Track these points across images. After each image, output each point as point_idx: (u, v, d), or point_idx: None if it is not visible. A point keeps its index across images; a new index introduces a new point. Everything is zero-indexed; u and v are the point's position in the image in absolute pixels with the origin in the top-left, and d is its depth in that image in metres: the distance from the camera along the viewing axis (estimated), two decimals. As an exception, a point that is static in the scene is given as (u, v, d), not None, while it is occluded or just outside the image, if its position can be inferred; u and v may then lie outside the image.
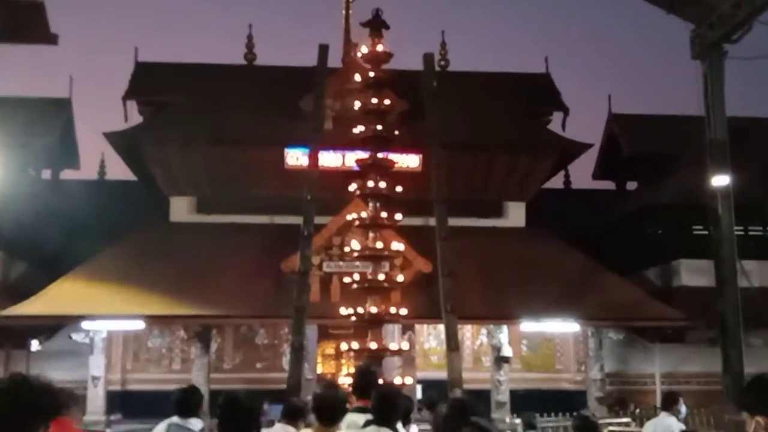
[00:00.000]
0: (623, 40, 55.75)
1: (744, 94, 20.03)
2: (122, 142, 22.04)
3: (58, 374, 20.17)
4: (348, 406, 5.62)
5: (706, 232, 17.93)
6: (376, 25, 16.99)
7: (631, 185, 26.97)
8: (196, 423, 6.29)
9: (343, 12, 23.48)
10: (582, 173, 28.26)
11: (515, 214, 22.94)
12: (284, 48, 29.82)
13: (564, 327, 19.80)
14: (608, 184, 27.52)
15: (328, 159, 20.58)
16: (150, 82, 24.00)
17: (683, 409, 8.72)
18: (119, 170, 25.34)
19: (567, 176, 28.08)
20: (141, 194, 23.58)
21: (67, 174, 26.04)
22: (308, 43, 22.09)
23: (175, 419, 6.29)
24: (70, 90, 24.21)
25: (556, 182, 27.01)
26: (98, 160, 27.37)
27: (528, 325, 19.62)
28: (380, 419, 5.20)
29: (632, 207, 23.91)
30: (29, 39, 15.25)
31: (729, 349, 14.97)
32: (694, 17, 15.93)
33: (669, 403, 8.74)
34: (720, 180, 15.35)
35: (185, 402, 6.34)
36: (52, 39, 15.18)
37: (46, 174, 25.39)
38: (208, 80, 23.70)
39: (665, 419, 8.63)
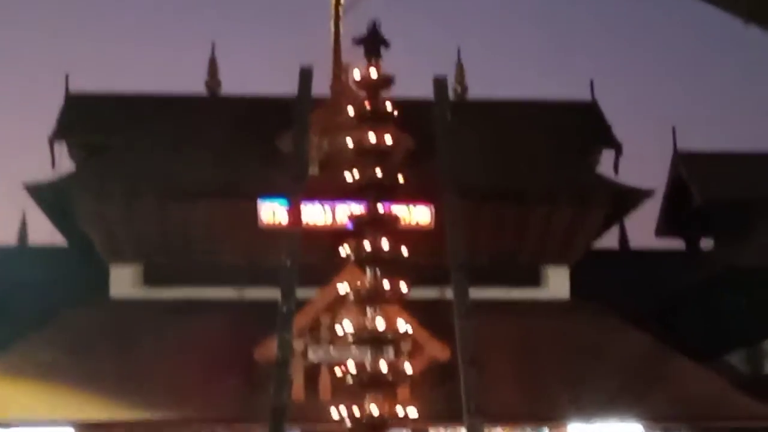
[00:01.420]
0: (688, 57, 56.07)
1: None
2: (48, 195, 22.04)
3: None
4: None
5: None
6: (374, 43, 17.07)
7: (706, 243, 26.92)
8: None
9: (332, 26, 23.69)
10: (642, 228, 28.08)
11: (557, 283, 22.83)
12: (256, 73, 30.03)
13: (624, 428, 19.57)
14: (676, 243, 27.47)
15: (314, 213, 20.57)
16: (84, 119, 24.15)
17: None
18: (44, 232, 25.33)
19: (623, 233, 28.04)
20: (72, 263, 23.51)
21: (-24, 238, 26.05)
22: (287, 65, 22.25)
23: None
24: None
25: (610, 241, 26.95)
26: (17, 220, 27.39)
27: (577, 427, 19.39)
28: None
29: (708, 272, 23.80)
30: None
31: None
32: (781, 28, 16.02)
33: None
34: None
35: None
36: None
37: (-50, 239, 25.43)
38: (159, 115, 23.85)
39: None
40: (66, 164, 23.85)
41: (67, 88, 24.86)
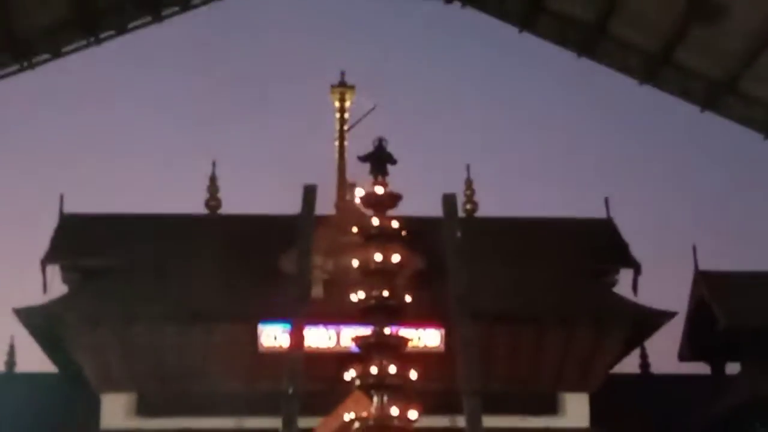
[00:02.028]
0: (709, 170, 56.41)
1: None
2: (39, 320, 22.03)
3: None
4: None
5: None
6: (379, 160, 17.29)
7: (733, 368, 26.66)
8: None
9: (336, 143, 24.02)
10: (665, 353, 27.86)
11: (576, 411, 22.57)
12: (258, 191, 30.30)
13: None
14: (701, 367, 27.19)
15: (317, 337, 20.55)
16: (79, 240, 24.22)
17: None
18: (34, 360, 25.21)
19: (644, 357, 27.84)
20: (63, 391, 23.35)
21: (-38, 365, 25.91)
22: (290, 184, 22.47)
23: None
24: (-28, 252, 24.51)
25: (630, 365, 26.72)
26: (5, 346, 27.30)
27: None
28: None
29: (737, 399, 23.53)
30: None
31: None
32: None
33: None
34: None
35: None
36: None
37: (-67, 365, 25.31)
38: (156, 236, 23.95)
39: None
40: (58, 287, 23.82)
41: (61, 209, 25.03)
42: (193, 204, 25.39)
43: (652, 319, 23.05)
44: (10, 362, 26.91)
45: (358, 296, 16.75)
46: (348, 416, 16.97)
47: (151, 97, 51.56)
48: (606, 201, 26.12)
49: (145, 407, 22.02)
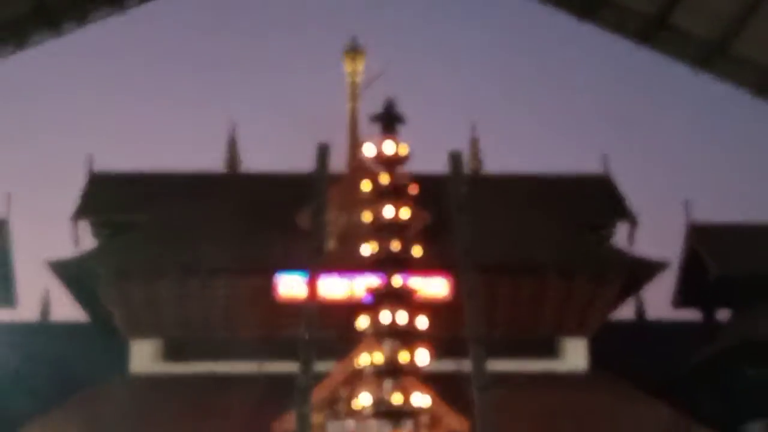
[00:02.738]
0: (701, 128, 56.17)
1: None
2: (71, 272, 22.08)
3: None
4: None
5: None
6: (389, 120, 17.21)
7: (723, 314, 26.63)
8: None
9: (349, 104, 23.88)
10: (658, 300, 27.87)
11: (575, 355, 22.58)
12: (276, 150, 30.19)
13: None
14: (693, 314, 27.19)
15: (331, 287, 20.57)
16: (107, 197, 24.26)
17: None
18: (66, 309, 25.32)
19: (639, 304, 27.82)
20: (94, 339, 23.48)
21: (0, 315, 26.04)
22: (305, 143, 22.33)
23: None
24: (8, 209, 24.47)
25: (626, 312, 26.72)
26: (40, 296, 27.42)
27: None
28: None
29: (726, 342, 23.53)
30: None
31: None
32: (791, 99, 16.03)
33: None
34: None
35: None
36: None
37: (-26, 315, 25.44)
38: (179, 193, 23.93)
39: None
40: (88, 242, 23.92)
41: (90, 168, 25.03)
42: (214, 163, 25.40)
43: (647, 269, 23.02)
44: (45, 312, 27.11)
45: (369, 249, 16.75)
46: (360, 361, 17.03)
47: (174, 60, 51.57)
48: (604, 157, 26.02)
49: (171, 353, 22.14)
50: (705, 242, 24.96)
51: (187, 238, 22.32)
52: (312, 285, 19.21)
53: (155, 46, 49.68)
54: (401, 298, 16.58)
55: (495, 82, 53.55)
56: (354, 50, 24.19)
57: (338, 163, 22.54)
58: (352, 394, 18.57)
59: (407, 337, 16.30)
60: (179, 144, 45.28)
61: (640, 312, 27.94)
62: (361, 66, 24.12)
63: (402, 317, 16.24)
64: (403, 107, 17.33)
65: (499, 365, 19.09)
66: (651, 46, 18.45)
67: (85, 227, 23.99)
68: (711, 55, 17.88)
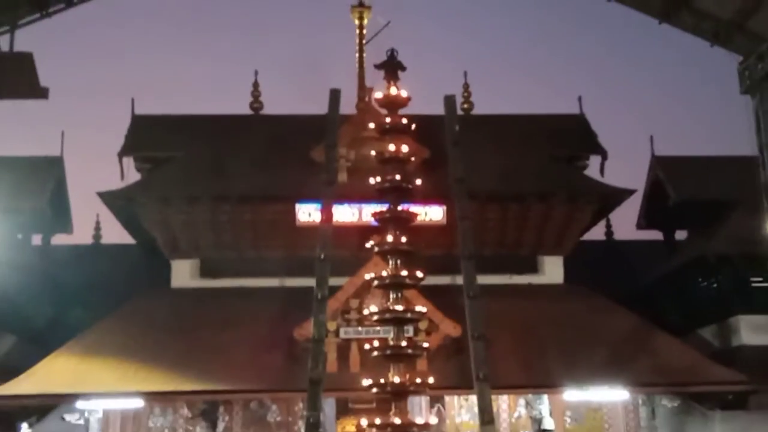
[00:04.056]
0: (665, 74, 55.88)
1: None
2: (118, 202, 22.19)
3: (49, 460, 20.22)
4: None
5: (767, 285, 17.79)
6: (392, 67, 17.09)
7: (681, 235, 26.80)
8: None
9: (356, 54, 23.78)
10: (625, 223, 28.03)
11: (552, 270, 22.76)
12: (293, 95, 30.16)
13: (612, 395, 19.49)
14: (655, 234, 27.34)
15: (343, 213, 20.65)
16: (148, 136, 24.28)
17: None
18: (115, 233, 25.58)
19: (608, 227, 27.97)
20: (139, 259, 23.73)
21: (58, 239, 26.30)
22: (319, 88, 22.30)
23: None
24: (62, 147, 24.59)
25: (597, 233, 26.88)
26: (92, 223, 27.68)
27: (572, 394, 19.31)
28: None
29: (683, 259, 23.73)
30: (18, 94, 15.46)
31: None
32: (742, 48, 16.03)
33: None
34: (778, 225, 15.23)
35: None
36: (42, 93, 15.39)
37: (36, 239, 25.64)
38: (211, 132, 23.96)
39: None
40: (133, 175, 24.03)
41: (133, 110, 25.05)
42: (241, 106, 25.39)
43: (615, 196, 23.06)
44: (97, 236, 27.43)
45: (375, 180, 16.79)
46: (368, 276, 17.19)
47: (207, 20, 51.45)
48: (579, 99, 25.95)
49: (206, 270, 22.34)
50: (666, 172, 25.00)
51: (218, 171, 22.36)
52: (326, 211, 19.32)
53: (189, 7, 49.84)
54: (403, 222, 16.64)
55: (485, 36, 53.25)
56: (361, 6, 24.00)
57: (348, 105, 22.53)
58: (362, 304, 18.88)
59: (408, 255, 16.41)
60: (210, 91, 45.22)
61: (609, 233, 28.14)
62: (366, 20, 23.93)
63: (404, 238, 16.35)
64: (404, 57, 17.23)
65: (487, 279, 19.27)
66: (619, 1, 18.37)
67: (129, 163, 24.11)
68: (674, 8, 17.82)
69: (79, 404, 18.93)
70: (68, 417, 19.28)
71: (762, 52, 15.37)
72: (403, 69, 17.20)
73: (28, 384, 18.50)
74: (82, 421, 19.21)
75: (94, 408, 19.12)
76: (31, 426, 20.68)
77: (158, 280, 22.30)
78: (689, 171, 24.64)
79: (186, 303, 21.02)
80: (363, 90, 22.98)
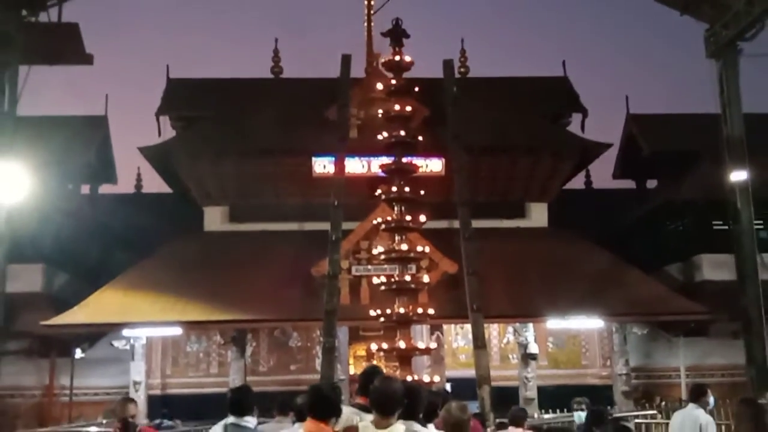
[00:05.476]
0: (640, 40, 55.49)
1: (759, 91, 19.73)
2: (156, 156, 22.16)
3: (100, 380, 20.50)
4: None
5: (726, 228, 17.75)
6: (397, 35, 16.96)
7: (652, 183, 26.73)
8: (250, 420, 6.40)
9: (365, 23, 23.50)
10: (602, 173, 28.06)
11: (538, 215, 22.72)
12: (309, 60, 29.91)
13: (589, 323, 19.61)
14: (629, 183, 27.28)
15: (354, 166, 20.58)
16: (181, 98, 24.18)
17: (711, 400, 8.62)
18: (155, 184, 25.61)
19: (588, 177, 27.85)
20: (176, 206, 23.74)
21: (104, 188, 26.36)
22: (332, 54, 22.12)
23: (231, 419, 6.38)
24: (106, 108, 24.50)
25: (578, 183, 26.81)
26: (134, 174, 27.69)
27: (554, 323, 19.44)
28: (406, 413, 5.20)
29: (653, 205, 23.68)
30: (66, 60, 15.31)
31: (752, 341, 14.73)
32: (708, 17, 15.76)
33: (697, 395, 8.62)
34: (738, 175, 15.13)
35: (239, 402, 6.49)
36: (88, 59, 15.22)
37: (85, 189, 25.76)
38: (237, 94, 23.81)
39: (693, 411, 8.52)
40: (169, 132, 24.01)
41: (168, 75, 24.90)
42: (263, 70, 25.21)
43: (594, 149, 22.93)
44: (138, 186, 27.44)
45: (382, 136, 16.76)
46: (376, 221, 17.25)
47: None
48: (563, 63, 25.72)
49: (235, 215, 22.34)
50: (639, 128, 24.85)
51: (243, 128, 22.26)
52: (339, 164, 19.32)
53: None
54: (407, 173, 16.68)
55: (481, 6, 52.48)
56: (369, -21, 23.64)
57: (358, 69, 22.35)
58: (371, 245, 18.92)
59: (411, 202, 16.45)
60: (236, 56, 44.95)
61: (588, 182, 28.01)
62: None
63: (407, 188, 16.37)
64: (408, 25, 17.06)
65: (481, 223, 19.25)
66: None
67: (165, 122, 24.04)
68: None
69: (126, 332, 19.14)
70: (116, 343, 19.49)
71: (727, 20, 15.11)
72: (407, 36, 17.06)
73: (80, 314, 18.68)
74: (128, 347, 19.43)
75: (138, 335, 19.32)
76: (83, 351, 20.94)
77: (192, 224, 22.32)
78: (660, 127, 24.50)
79: (217, 244, 21.08)
80: (371, 56, 22.79)
